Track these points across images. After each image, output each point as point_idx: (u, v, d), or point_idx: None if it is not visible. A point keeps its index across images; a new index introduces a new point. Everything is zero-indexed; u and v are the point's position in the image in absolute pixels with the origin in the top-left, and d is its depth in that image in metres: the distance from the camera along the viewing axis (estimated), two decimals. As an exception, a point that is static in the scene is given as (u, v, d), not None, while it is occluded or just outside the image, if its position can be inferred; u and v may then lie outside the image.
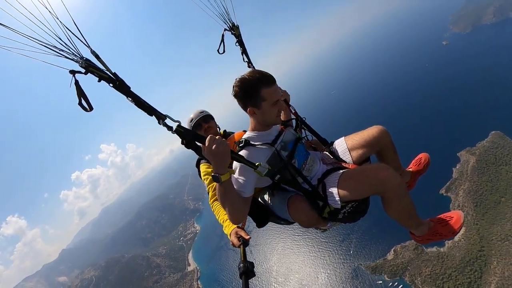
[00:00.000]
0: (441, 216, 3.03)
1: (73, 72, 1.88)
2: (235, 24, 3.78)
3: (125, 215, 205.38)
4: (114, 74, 1.99)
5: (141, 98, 2.11)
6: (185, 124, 3.44)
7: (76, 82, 1.92)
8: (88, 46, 1.95)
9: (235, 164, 2.53)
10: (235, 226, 2.74)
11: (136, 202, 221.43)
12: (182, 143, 2.36)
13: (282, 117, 3.00)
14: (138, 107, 2.11)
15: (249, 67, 3.88)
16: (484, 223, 51.60)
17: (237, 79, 2.56)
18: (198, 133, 2.35)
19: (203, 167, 3.62)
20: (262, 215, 3.17)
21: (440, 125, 79.75)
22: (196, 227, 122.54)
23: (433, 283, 48.52)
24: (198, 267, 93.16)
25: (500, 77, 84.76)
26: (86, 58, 1.90)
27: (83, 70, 1.90)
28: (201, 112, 3.85)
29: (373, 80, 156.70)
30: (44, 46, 1.78)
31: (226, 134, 3.99)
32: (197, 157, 3.53)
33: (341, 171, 2.74)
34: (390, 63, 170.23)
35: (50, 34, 1.77)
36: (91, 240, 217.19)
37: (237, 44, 3.88)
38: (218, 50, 3.80)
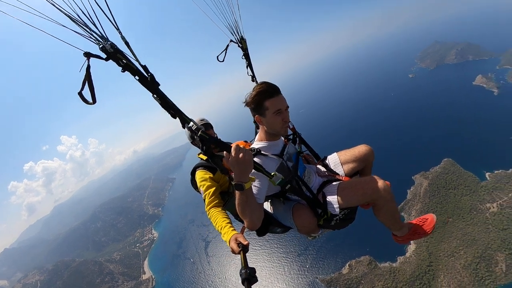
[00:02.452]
0: (418, 218, 3.61)
1: (88, 55, 1.75)
2: (243, 38, 3.90)
3: (79, 215, 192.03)
4: (144, 67, 1.92)
5: (168, 98, 2.09)
6: (186, 131, 3.37)
7: (88, 68, 1.79)
8: (118, 29, 1.80)
9: None
10: (234, 232, 2.76)
11: (92, 202, 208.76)
12: (202, 149, 2.56)
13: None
14: (163, 107, 2.10)
15: (253, 80, 4.09)
16: (433, 240, 55.90)
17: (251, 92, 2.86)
18: (222, 141, 2.46)
19: (201, 173, 3.64)
20: (263, 224, 3.17)
21: (400, 149, 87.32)
22: (154, 233, 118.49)
23: (386, 296, 51.44)
24: (153, 276, 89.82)
25: (455, 111, 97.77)
26: (112, 42, 1.77)
27: (103, 55, 1.78)
28: (201, 120, 3.95)
29: (341, 105, 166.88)
30: (70, 18, 1.67)
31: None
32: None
33: (337, 182, 3.16)
34: (360, 88, 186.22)
35: (72, 5, 1.64)
36: (39, 239, 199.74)
37: (243, 57, 4.03)
38: (218, 57, 3.89)
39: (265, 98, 2.75)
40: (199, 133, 2.30)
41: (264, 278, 65.56)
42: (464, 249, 52.65)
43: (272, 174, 2.59)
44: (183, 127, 2.32)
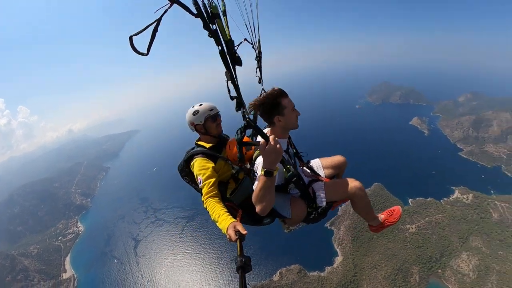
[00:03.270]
0: (387, 210, 4.46)
1: (175, 1, 1.67)
2: (259, 40, 3.95)
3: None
4: (231, 40, 2.00)
5: (236, 78, 2.17)
6: (190, 115, 3.79)
7: (162, 16, 1.70)
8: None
9: (260, 161, 3.07)
10: (232, 220, 2.72)
11: (11, 182, 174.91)
12: (247, 127, 2.74)
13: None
14: (232, 84, 2.22)
15: (259, 82, 4.18)
16: (358, 254, 62.07)
17: (259, 99, 3.33)
18: (262, 131, 2.75)
19: (202, 161, 3.51)
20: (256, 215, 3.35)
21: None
22: (80, 227, 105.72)
23: (314, 303, 54.67)
24: (75, 275, 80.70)
25: (391, 143, 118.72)
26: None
27: (194, 11, 1.74)
28: (214, 107, 3.91)
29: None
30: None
31: (223, 136, 4.09)
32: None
33: (321, 182, 3.84)
34: (310, 107, 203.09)
35: None
36: None
37: (256, 59, 4.07)
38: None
39: (281, 98, 3.29)
40: (247, 117, 2.55)
41: (196, 282, 64.85)
42: (385, 262, 59.37)
43: (288, 166, 3.12)
44: (237, 110, 2.53)
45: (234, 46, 2.04)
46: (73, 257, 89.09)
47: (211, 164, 3.50)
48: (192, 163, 3.61)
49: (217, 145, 3.87)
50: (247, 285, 1.89)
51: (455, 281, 56.10)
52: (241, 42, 3.75)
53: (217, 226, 2.83)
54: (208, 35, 1.84)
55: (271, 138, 2.59)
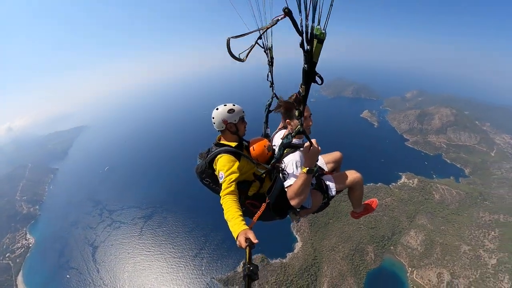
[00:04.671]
0: (368, 200, 5.25)
1: (288, 14, 1.94)
2: (271, 46, 4.23)
3: None
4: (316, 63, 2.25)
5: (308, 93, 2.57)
6: (224, 113, 3.90)
7: (271, 26, 2.16)
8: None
9: (291, 160, 3.59)
10: (246, 227, 2.77)
11: None
12: (300, 133, 3.06)
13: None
14: (303, 98, 2.65)
15: (270, 86, 4.89)
16: (317, 238, 65.82)
17: (284, 102, 3.80)
18: (309, 137, 3.27)
19: (229, 157, 3.62)
20: (286, 206, 3.84)
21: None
22: (29, 239, 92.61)
23: (278, 288, 56.63)
24: None
25: (344, 134, 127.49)
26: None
27: (317, 33, 1.96)
28: (243, 111, 4.09)
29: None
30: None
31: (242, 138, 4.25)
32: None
33: (329, 175, 4.43)
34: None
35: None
36: None
37: (269, 64, 4.53)
38: (239, 55, 3.69)
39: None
40: (302, 128, 2.99)
41: (161, 284, 63.41)
42: (342, 244, 63.82)
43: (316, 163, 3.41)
44: (298, 117, 2.93)
45: (315, 68, 2.30)
46: (25, 275, 78.46)
47: (236, 162, 3.61)
48: (215, 161, 3.70)
49: (239, 145, 4.00)
50: None
51: (406, 255, 62.67)
52: (253, 46, 4.22)
53: (227, 225, 2.96)
54: (304, 54, 2.13)
55: (313, 141, 3.09)
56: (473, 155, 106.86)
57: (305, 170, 3.23)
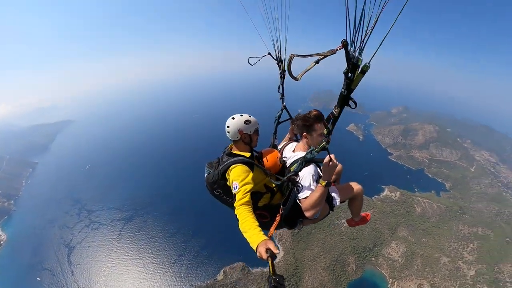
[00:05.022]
0: (363, 213, 5.37)
1: (345, 46, 2.18)
2: (283, 59, 4.44)
3: None
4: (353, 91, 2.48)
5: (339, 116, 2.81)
6: (240, 123, 3.91)
7: (324, 57, 2.42)
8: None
9: (308, 173, 3.68)
10: (265, 238, 2.73)
11: None
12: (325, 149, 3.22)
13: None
14: (334, 119, 2.88)
15: (280, 99, 5.06)
16: (298, 248, 65.79)
17: (309, 115, 3.95)
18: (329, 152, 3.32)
19: (243, 168, 3.61)
20: (295, 217, 4.00)
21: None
22: (1, 235, 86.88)
23: (259, 299, 55.90)
24: None
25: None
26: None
27: (358, 60, 2.21)
28: (258, 123, 4.09)
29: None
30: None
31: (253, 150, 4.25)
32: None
33: (333, 186, 4.41)
34: (252, 106, 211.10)
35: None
36: None
37: (280, 76, 4.73)
38: (249, 60, 4.50)
39: (316, 122, 3.86)
40: (327, 145, 3.15)
41: None
42: (324, 254, 63.92)
43: None
44: (327, 135, 3.05)
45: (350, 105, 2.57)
46: (-4, 275, 74.78)
47: (250, 173, 3.61)
48: (229, 171, 3.67)
49: (251, 156, 3.97)
50: None
51: (387, 266, 63.49)
52: (264, 55, 4.41)
53: (243, 235, 2.94)
54: (346, 81, 2.35)
55: (333, 156, 3.21)
56: (454, 171, 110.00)
57: (323, 183, 3.34)
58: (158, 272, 64.92)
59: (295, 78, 2.61)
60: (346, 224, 72.42)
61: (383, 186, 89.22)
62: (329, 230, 69.57)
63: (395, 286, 60.16)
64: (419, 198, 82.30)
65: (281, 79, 4.78)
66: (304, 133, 4.01)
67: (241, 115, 3.94)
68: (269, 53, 4.40)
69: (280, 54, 4.40)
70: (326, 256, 63.36)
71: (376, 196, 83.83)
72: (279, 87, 4.94)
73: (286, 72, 2.71)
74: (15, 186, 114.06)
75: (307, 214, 3.48)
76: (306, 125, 3.93)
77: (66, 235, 78.80)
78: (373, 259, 65.37)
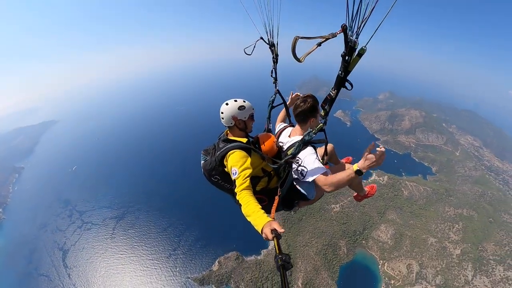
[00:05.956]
0: (368, 186, 5.49)
1: (345, 30, 2.39)
2: (276, 43, 4.53)
3: None
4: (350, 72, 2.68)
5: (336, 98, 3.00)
6: (234, 109, 3.86)
7: (325, 40, 2.57)
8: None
9: (308, 153, 3.76)
10: (269, 219, 2.77)
11: None
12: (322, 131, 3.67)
13: None
14: (331, 101, 3.16)
15: (274, 83, 5.04)
16: (290, 234, 67.69)
17: (306, 100, 4.00)
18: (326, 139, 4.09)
19: (241, 153, 3.62)
20: (292, 199, 4.32)
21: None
22: None
23: (255, 285, 57.27)
24: None
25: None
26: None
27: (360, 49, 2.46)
28: (253, 108, 4.06)
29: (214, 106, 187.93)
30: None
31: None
32: None
33: (327, 169, 4.45)
34: (243, 95, 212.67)
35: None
36: None
37: (273, 60, 4.74)
38: (245, 50, 4.49)
39: (317, 104, 3.97)
40: (325, 126, 3.47)
41: (135, 286, 62.05)
42: (315, 239, 65.96)
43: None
44: (324, 117, 3.39)
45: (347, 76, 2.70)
46: (-12, 285, 73.11)
47: (248, 158, 3.61)
48: (227, 157, 3.67)
49: (248, 142, 3.95)
50: (288, 283, 2.00)
51: (377, 248, 66.24)
52: (257, 40, 4.42)
53: (247, 219, 3.00)
54: (344, 63, 2.53)
55: (383, 148, 2.90)
56: (440, 155, 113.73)
57: (356, 168, 3.08)
58: (154, 267, 65.33)
59: (299, 60, 2.67)
60: (336, 209, 74.23)
61: (371, 171, 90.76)
62: (319, 216, 71.47)
63: (385, 267, 62.79)
64: (406, 182, 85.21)
65: (274, 63, 4.78)
66: (302, 123, 4.18)
67: (235, 101, 3.91)
68: (261, 38, 4.41)
69: (273, 38, 4.42)
70: (317, 241, 65.26)
71: (364, 180, 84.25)
72: (272, 72, 4.92)
73: (293, 55, 2.66)
74: (2, 194, 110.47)
75: (328, 189, 3.46)
76: (305, 117, 4.06)
77: (60, 238, 77.75)
78: (363, 242, 67.78)
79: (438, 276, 59.81)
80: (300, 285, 58.29)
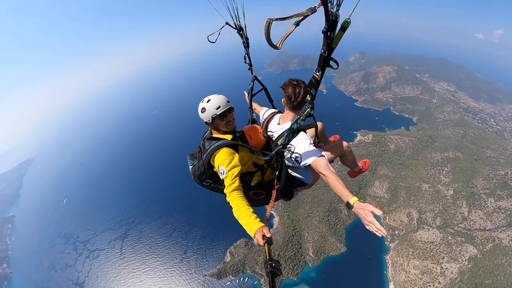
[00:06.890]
0: (361, 161, 5.81)
1: (325, 2, 2.05)
2: (244, 27, 4.23)
3: None
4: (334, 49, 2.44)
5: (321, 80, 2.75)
6: (199, 111, 3.64)
7: (302, 20, 2.33)
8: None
9: (300, 139, 3.55)
10: (261, 224, 2.76)
11: None
12: (311, 116, 3.21)
13: None
14: (316, 84, 2.78)
15: (249, 69, 4.89)
16: (291, 209, 70.05)
17: (298, 88, 3.95)
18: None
19: (228, 151, 3.43)
20: (290, 190, 4.26)
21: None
22: None
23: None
24: None
25: None
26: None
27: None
28: (228, 102, 3.72)
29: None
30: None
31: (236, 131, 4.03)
32: None
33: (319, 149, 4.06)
34: (215, 86, 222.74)
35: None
36: None
37: (244, 45, 4.46)
38: (208, 38, 4.30)
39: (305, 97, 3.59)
40: (313, 111, 3.08)
41: None
42: (315, 208, 68.80)
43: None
44: (311, 101, 2.93)
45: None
46: None
47: (235, 154, 3.46)
48: (213, 157, 3.49)
49: (234, 138, 3.77)
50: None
51: (376, 204, 69.68)
52: (223, 26, 4.12)
53: (239, 222, 2.97)
54: (327, 40, 2.30)
55: (378, 212, 2.63)
56: (418, 105, 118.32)
57: (350, 199, 2.86)
58: (171, 275, 65.93)
59: (275, 47, 2.46)
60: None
61: (355, 132, 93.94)
62: (314, 185, 72.63)
63: (387, 220, 66.71)
64: (391, 136, 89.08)
65: (245, 48, 4.52)
66: (297, 110, 4.06)
67: (202, 101, 3.69)
68: (227, 23, 4.15)
69: (239, 22, 4.15)
70: (318, 210, 68.00)
71: (350, 143, 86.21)
72: (245, 58, 4.70)
73: (268, 42, 2.44)
74: (1, 248, 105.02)
75: (324, 175, 3.22)
76: (301, 105, 3.97)
77: (71, 274, 77.01)
78: (361, 201, 70.17)
79: (437, 218, 63.89)
80: (312, 254, 61.16)
